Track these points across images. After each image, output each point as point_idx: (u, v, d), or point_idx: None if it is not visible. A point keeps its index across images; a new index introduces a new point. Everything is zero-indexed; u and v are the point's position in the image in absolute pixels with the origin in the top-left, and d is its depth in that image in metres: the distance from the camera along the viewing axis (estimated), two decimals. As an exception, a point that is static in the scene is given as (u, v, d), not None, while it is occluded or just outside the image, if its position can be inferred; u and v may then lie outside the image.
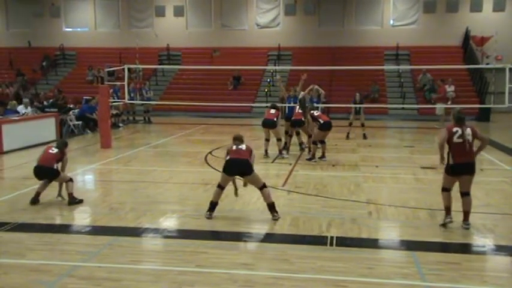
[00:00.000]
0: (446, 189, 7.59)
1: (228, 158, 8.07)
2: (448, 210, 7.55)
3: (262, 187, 8.02)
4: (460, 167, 7.39)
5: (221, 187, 8.08)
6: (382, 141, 17.94)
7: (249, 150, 8.12)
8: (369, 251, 6.67)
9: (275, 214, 7.95)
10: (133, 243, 6.99)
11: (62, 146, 9.44)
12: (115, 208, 8.70)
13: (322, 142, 13.17)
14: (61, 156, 9.22)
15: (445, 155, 7.47)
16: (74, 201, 8.93)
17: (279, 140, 13.59)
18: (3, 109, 17.17)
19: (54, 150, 9.23)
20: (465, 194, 7.50)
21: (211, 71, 27.94)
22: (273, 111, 13.46)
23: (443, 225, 7.55)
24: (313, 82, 16.07)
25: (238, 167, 7.96)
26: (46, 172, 9.06)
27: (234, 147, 8.11)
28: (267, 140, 13.63)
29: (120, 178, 11.46)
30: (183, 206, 8.85)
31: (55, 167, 9.04)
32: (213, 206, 8.04)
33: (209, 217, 7.97)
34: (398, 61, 29.02)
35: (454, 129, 7.39)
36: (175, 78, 29.98)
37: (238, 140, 8.24)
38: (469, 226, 7.47)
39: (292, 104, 14.35)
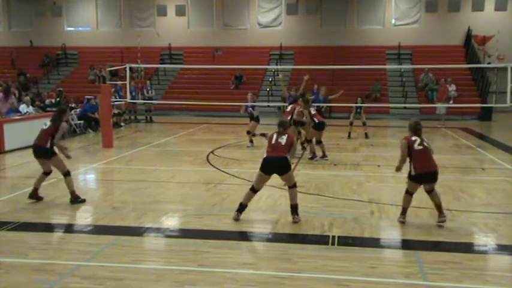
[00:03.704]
0: (410, 193, 7.77)
1: (265, 155, 7.78)
2: (404, 210, 7.79)
3: (292, 186, 7.76)
4: (421, 176, 7.59)
5: (254, 190, 7.82)
6: (384, 140, 17.94)
7: (289, 144, 7.77)
8: (371, 251, 6.67)
9: (296, 216, 7.73)
10: (135, 243, 6.99)
11: (55, 117, 8.83)
12: (117, 207, 8.71)
13: (319, 142, 13.19)
14: (54, 129, 8.71)
15: (402, 166, 7.76)
16: (76, 201, 8.85)
17: None
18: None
19: (47, 125, 8.77)
20: (431, 191, 7.73)
21: (213, 71, 27.97)
22: (289, 108, 13.80)
23: (402, 222, 7.76)
24: (315, 82, 16.11)
25: (275, 166, 7.67)
26: (39, 151, 8.76)
27: (274, 140, 7.79)
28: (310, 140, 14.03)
29: (122, 177, 11.47)
30: (185, 206, 8.85)
31: (48, 145, 8.62)
32: (242, 207, 7.84)
33: (237, 218, 7.79)
34: (400, 60, 29.02)
35: (413, 138, 7.63)
36: (177, 78, 30.01)
37: (282, 126, 7.93)
38: (444, 219, 7.61)
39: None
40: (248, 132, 15.50)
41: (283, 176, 7.77)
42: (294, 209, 7.78)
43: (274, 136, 7.85)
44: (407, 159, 7.65)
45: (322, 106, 15.72)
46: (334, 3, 30.40)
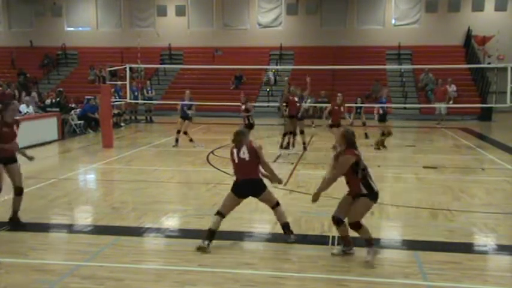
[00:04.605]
0: (359, 223, 6.33)
1: (235, 179, 6.83)
2: (370, 241, 6.30)
3: (275, 205, 6.90)
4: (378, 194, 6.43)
5: (221, 215, 6.70)
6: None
7: (255, 156, 6.68)
8: (371, 251, 6.66)
9: (291, 236, 6.90)
10: (135, 243, 6.99)
11: None
12: (117, 208, 8.70)
13: (293, 133, 14.70)
14: None
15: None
16: (14, 222, 7.59)
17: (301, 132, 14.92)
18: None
19: None
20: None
21: (212, 71, 27.95)
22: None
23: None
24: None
25: (248, 189, 6.76)
26: None
27: (236, 158, 6.71)
28: (291, 132, 14.76)
29: (122, 177, 11.47)
30: (185, 206, 8.85)
31: None
32: (211, 234, 6.61)
33: (207, 248, 6.53)
34: (400, 61, 29.01)
35: (357, 153, 6.29)
36: (177, 78, 30.00)
37: (236, 137, 6.78)
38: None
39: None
40: (185, 133, 15.34)
41: (260, 197, 6.86)
42: (286, 227, 6.93)
43: (234, 152, 6.75)
44: (346, 178, 6.53)
45: (385, 107, 15.73)
46: (334, 3, 30.39)
